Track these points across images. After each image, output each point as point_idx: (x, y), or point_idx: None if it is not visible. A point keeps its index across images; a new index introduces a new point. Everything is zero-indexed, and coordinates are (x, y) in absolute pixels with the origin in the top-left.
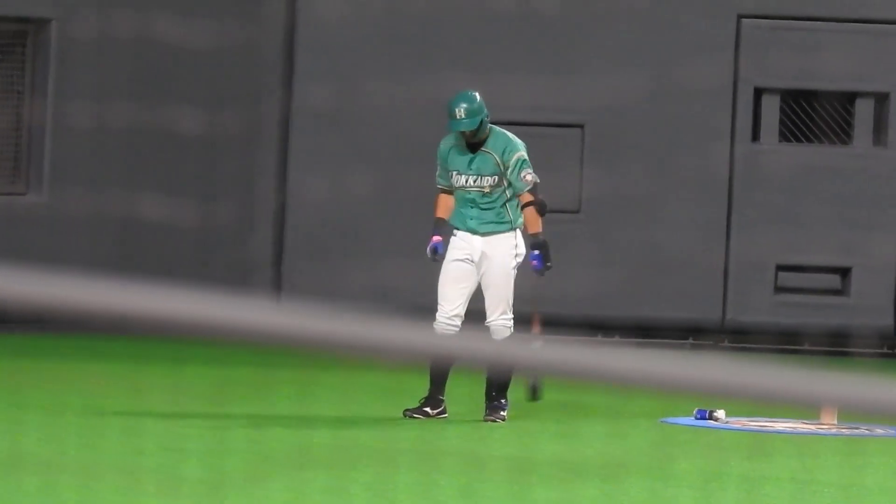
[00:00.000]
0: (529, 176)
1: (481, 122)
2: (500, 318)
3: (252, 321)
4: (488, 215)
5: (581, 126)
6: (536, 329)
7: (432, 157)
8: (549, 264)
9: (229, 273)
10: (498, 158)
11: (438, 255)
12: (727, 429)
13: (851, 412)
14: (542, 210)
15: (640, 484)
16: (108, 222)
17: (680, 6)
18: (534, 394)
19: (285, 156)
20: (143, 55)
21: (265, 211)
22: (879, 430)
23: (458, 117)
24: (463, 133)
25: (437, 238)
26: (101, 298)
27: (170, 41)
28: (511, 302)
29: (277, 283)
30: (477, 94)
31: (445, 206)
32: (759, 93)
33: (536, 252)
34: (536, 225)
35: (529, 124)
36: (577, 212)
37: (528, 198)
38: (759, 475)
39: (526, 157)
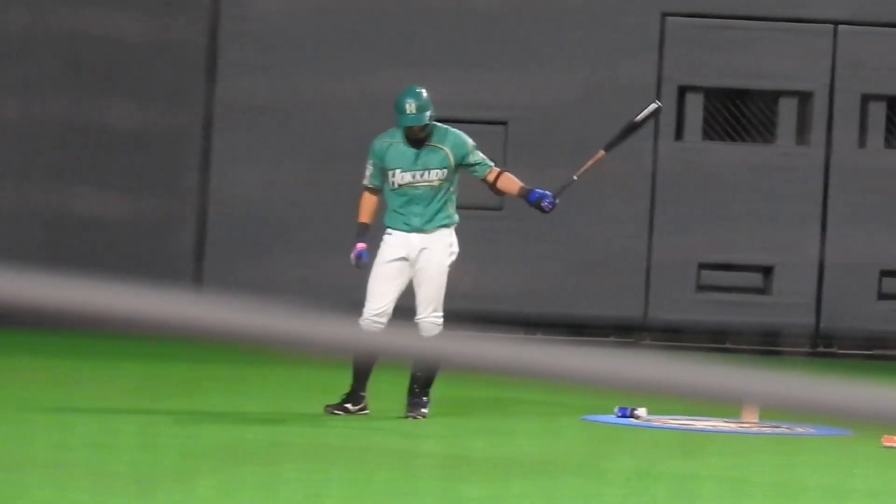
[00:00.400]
0: (482, 155)
1: (431, 117)
2: (430, 315)
3: (169, 313)
4: (432, 211)
5: (504, 123)
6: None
7: (362, 152)
8: (556, 200)
9: (156, 267)
10: (449, 152)
11: (363, 261)
12: (649, 427)
13: (775, 409)
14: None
15: (571, 482)
16: (37, 215)
17: (607, 4)
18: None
19: (208, 151)
20: (73, 48)
21: (191, 205)
22: (800, 429)
23: (408, 112)
24: (410, 129)
25: (361, 245)
26: (28, 292)
27: (101, 34)
28: (442, 300)
29: (199, 278)
30: (423, 91)
31: (370, 209)
32: (682, 91)
33: (544, 192)
34: (516, 182)
35: (454, 121)
36: (499, 209)
37: (494, 172)
38: (689, 473)
39: (472, 140)
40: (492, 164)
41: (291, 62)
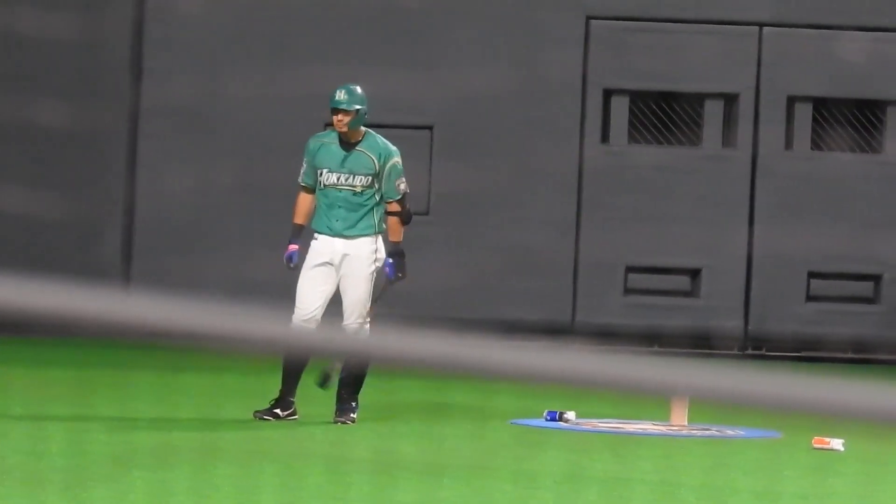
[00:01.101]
0: (403, 185)
1: (359, 112)
2: (355, 321)
3: (97, 313)
4: (354, 218)
5: (430, 128)
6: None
7: (290, 150)
8: (400, 275)
9: (84, 266)
10: (375, 159)
11: (293, 263)
12: (578, 430)
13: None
14: (406, 220)
15: (501, 486)
16: None
17: (532, 6)
18: (324, 381)
19: (135, 150)
20: (2, 47)
21: (118, 205)
22: (730, 432)
23: (337, 98)
24: (339, 128)
25: (293, 247)
26: None
27: (30, 33)
28: (368, 306)
29: (127, 277)
30: (359, 88)
31: (305, 210)
32: (608, 94)
33: (391, 260)
34: (398, 234)
35: (381, 126)
36: (426, 213)
37: (395, 207)
38: (619, 476)
39: (401, 164)
40: (398, 197)
41: (216, 63)
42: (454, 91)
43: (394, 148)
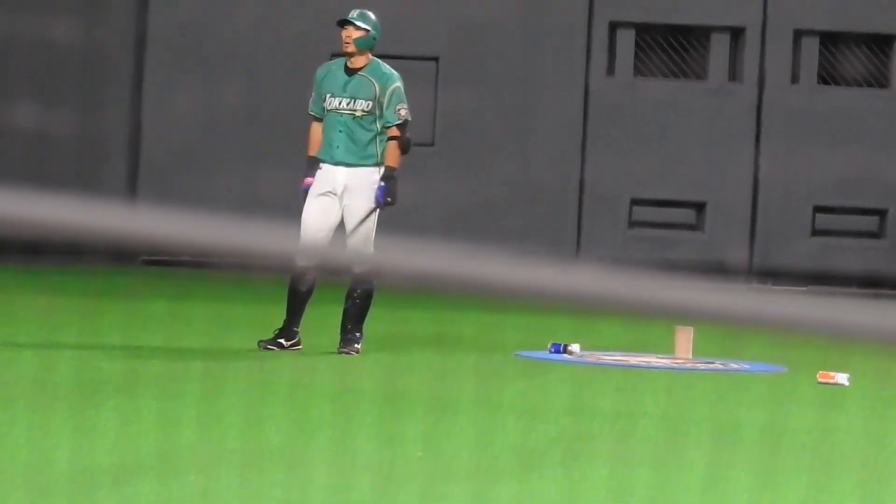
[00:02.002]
0: (403, 111)
1: (368, 34)
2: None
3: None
4: (355, 146)
5: (436, 59)
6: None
7: (295, 74)
8: (389, 199)
9: (92, 183)
10: (376, 85)
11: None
12: (582, 363)
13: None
14: (405, 148)
15: (505, 419)
16: None
17: None
18: None
19: (141, 72)
20: None
21: (124, 124)
22: (734, 365)
23: (350, 14)
24: (345, 45)
25: (308, 180)
26: None
27: None
28: (372, 237)
29: (133, 194)
30: (373, 15)
31: (316, 140)
32: (614, 27)
33: (383, 184)
34: (395, 159)
35: (386, 56)
36: (431, 144)
37: (395, 132)
38: (622, 410)
39: (402, 90)
40: (398, 122)
41: None
42: (461, 22)
43: (396, 73)
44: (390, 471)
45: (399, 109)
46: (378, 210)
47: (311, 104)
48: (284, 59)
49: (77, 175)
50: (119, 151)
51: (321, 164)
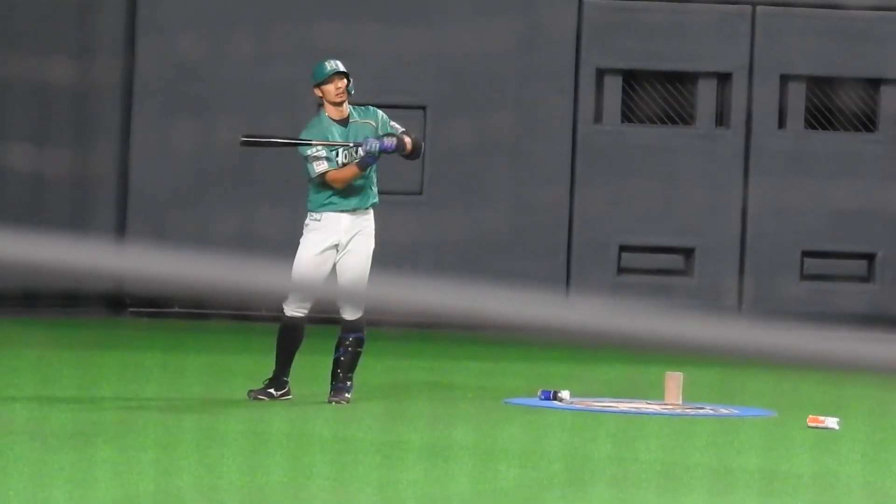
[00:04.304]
0: (396, 124)
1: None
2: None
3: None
4: (367, 189)
5: (423, 108)
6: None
7: (289, 105)
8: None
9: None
10: (372, 122)
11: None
12: (573, 409)
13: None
14: (418, 147)
15: (505, 470)
16: None
17: None
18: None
19: (130, 103)
20: (5, 7)
21: (113, 162)
22: (724, 411)
23: (332, 65)
24: (339, 96)
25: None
26: None
27: None
28: (366, 281)
29: (122, 233)
30: None
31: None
32: (601, 73)
33: (391, 139)
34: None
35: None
36: (419, 193)
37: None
38: (616, 456)
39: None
40: (402, 130)
41: (215, 19)
42: (448, 66)
43: (374, 107)
44: None
45: (393, 125)
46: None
47: (325, 164)
48: (278, 96)
49: (70, 216)
50: (109, 192)
51: (317, 216)
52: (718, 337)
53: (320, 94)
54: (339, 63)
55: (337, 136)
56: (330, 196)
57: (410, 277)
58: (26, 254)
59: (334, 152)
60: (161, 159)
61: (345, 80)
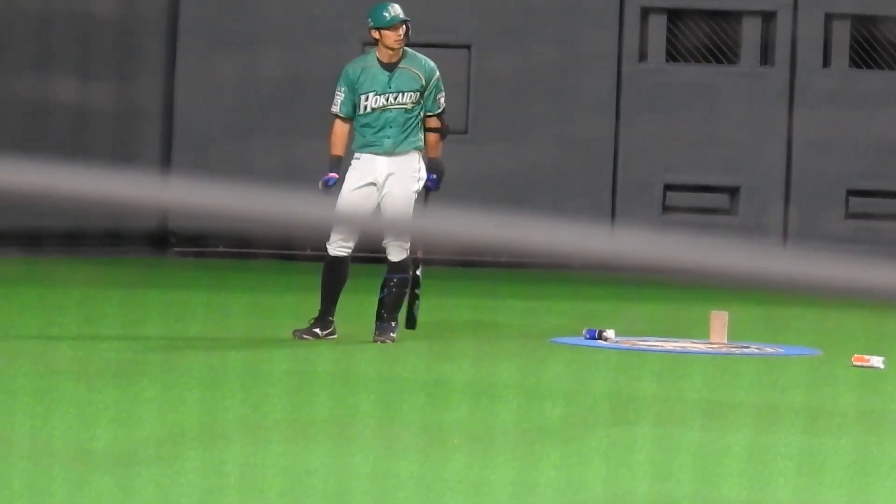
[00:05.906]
0: (442, 99)
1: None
2: (395, 240)
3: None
4: (403, 135)
5: (468, 47)
6: (419, 253)
7: (334, 39)
8: (439, 187)
9: (127, 155)
10: (420, 75)
11: (329, 187)
12: (618, 349)
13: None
14: (444, 136)
15: (547, 405)
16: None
17: None
18: (411, 322)
19: (174, 39)
20: None
21: (161, 92)
22: (769, 349)
23: (394, 11)
24: (399, 44)
25: (333, 175)
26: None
27: None
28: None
29: (168, 165)
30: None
31: (342, 140)
32: (645, 12)
33: (433, 176)
34: (438, 149)
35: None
36: (464, 132)
37: (435, 123)
38: (660, 395)
39: (441, 81)
40: (439, 111)
41: None
42: (492, 6)
43: (433, 64)
44: (430, 457)
45: (439, 98)
46: (417, 195)
47: (340, 105)
48: (320, 31)
49: (114, 147)
50: (154, 123)
51: (358, 155)
52: (764, 268)
53: (377, 37)
54: (400, 10)
55: (379, 78)
56: (367, 137)
57: (454, 211)
58: (70, 188)
59: (364, 96)
60: (205, 93)
61: (404, 28)
